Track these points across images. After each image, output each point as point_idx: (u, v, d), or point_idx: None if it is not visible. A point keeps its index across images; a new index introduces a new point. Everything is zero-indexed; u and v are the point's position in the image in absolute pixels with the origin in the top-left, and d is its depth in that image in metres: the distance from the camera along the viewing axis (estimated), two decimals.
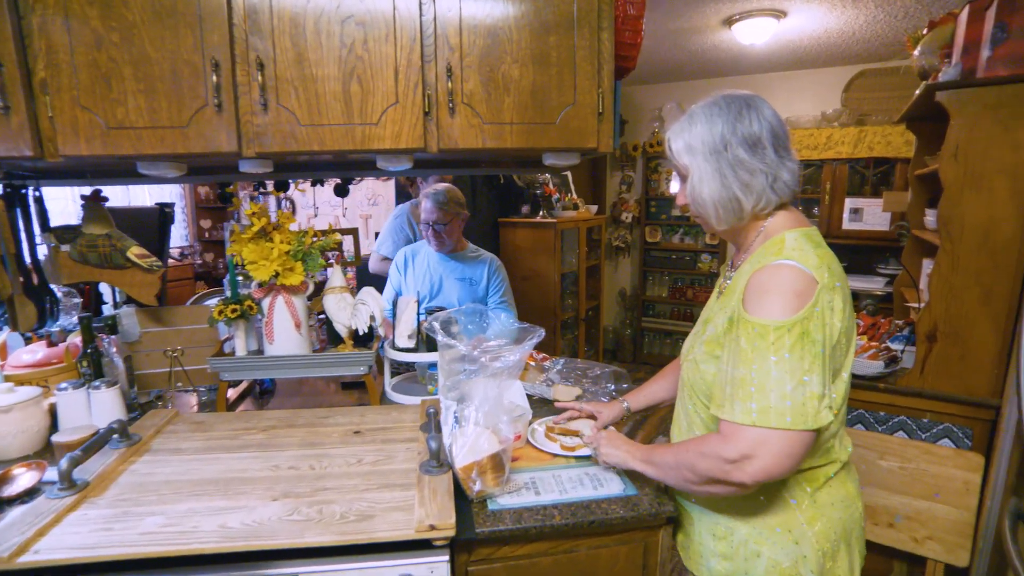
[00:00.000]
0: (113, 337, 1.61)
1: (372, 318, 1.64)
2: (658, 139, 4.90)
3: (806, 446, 0.88)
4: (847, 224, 3.90)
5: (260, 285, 1.60)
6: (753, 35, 3.11)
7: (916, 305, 2.07)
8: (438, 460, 1.19)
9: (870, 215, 3.77)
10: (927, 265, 2.25)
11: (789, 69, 4.35)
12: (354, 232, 1.91)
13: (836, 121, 4.03)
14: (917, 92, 2.19)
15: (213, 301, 2.19)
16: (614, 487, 1.19)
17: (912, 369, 1.88)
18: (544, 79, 1.30)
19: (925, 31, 2.29)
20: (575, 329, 3.97)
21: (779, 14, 2.99)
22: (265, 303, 1.60)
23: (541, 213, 3.39)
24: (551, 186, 3.38)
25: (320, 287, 1.75)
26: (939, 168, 1.78)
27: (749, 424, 0.87)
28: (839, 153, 3.92)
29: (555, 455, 1.34)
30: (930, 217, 2.25)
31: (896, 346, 1.97)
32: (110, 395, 1.41)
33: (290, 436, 1.42)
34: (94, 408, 1.40)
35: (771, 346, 0.87)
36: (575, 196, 3.67)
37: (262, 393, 1.88)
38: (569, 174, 3.77)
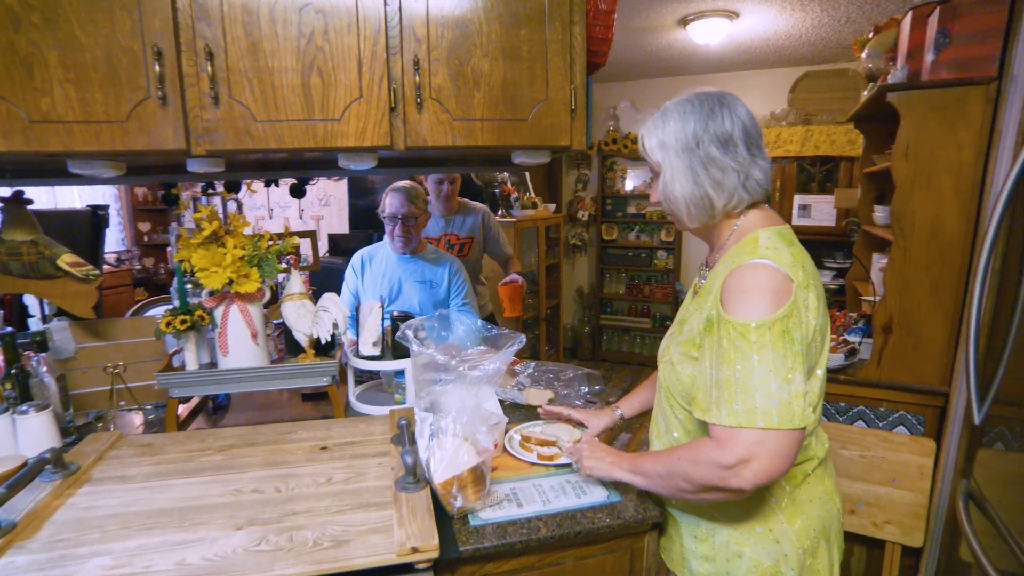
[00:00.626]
0: (43, 355, 1.46)
1: (335, 325, 1.56)
2: (613, 137, 4.94)
3: (798, 445, 0.88)
4: (796, 220, 4.04)
5: (211, 293, 1.49)
6: (707, 35, 3.16)
7: (870, 298, 2.14)
8: (414, 476, 1.13)
9: (818, 211, 3.92)
10: (877, 259, 2.34)
11: (740, 69, 4.46)
12: (311, 235, 1.81)
13: (784, 120, 4.17)
14: (866, 93, 2.27)
15: (158, 311, 2.04)
16: (598, 495, 1.16)
17: (870, 360, 1.95)
18: (515, 74, 1.25)
19: (871, 35, 2.39)
20: (535, 329, 3.95)
21: (732, 15, 3.06)
22: (218, 313, 1.50)
23: (500, 212, 3.34)
24: (510, 185, 3.34)
25: (278, 293, 1.65)
26: (891, 166, 1.85)
27: (736, 426, 0.86)
28: (787, 151, 4.06)
29: (533, 464, 1.30)
30: (879, 213, 2.34)
31: (854, 338, 2.04)
32: (40, 420, 1.27)
33: (251, 455, 1.32)
34: (21, 436, 1.26)
35: (753, 345, 0.86)
36: (533, 195, 3.65)
37: (215, 409, 1.76)
38: (528, 174, 3.74)
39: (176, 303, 1.50)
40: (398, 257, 2.26)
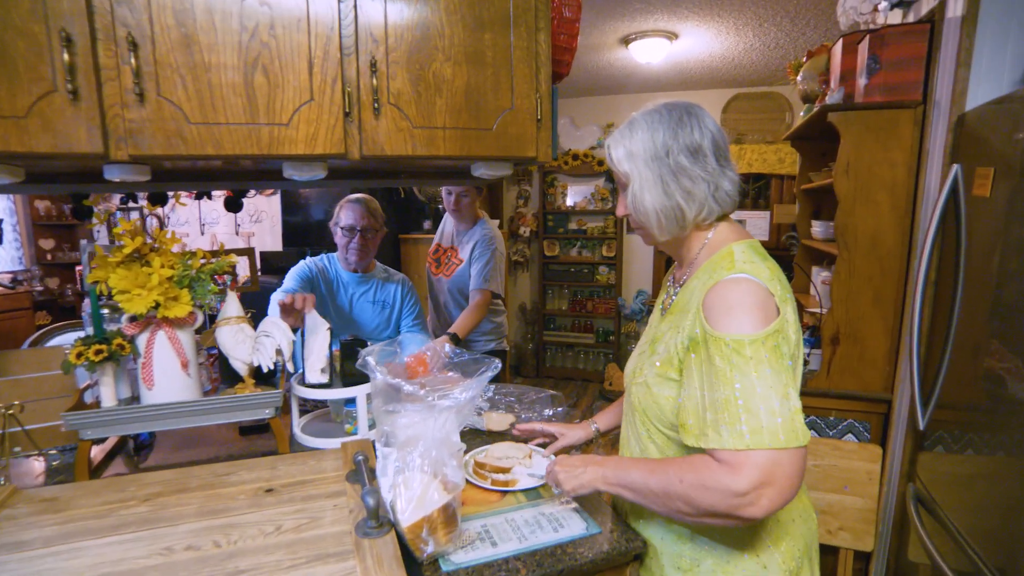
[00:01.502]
0: None
1: (279, 352, 1.41)
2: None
3: (804, 463, 0.83)
4: None
5: (133, 319, 1.32)
6: (648, 54, 3.24)
7: (814, 310, 2.21)
8: (377, 519, 1.01)
9: (752, 226, 4.08)
10: (817, 271, 2.43)
11: (678, 89, 4.62)
12: (249, 252, 1.65)
13: None
14: (802, 114, 2.37)
15: (65, 339, 1.80)
16: (575, 527, 1.09)
17: (819, 371, 2.00)
18: (479, 80, 1.18)
19: (805, 59, 2.51)
20: None
21: (672, 35, 3.15)
22: (141, 341, 1.32)
23: None
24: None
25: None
26: (834, 182, 1.92)
27: (745, 448, 0.80)
28: None
29: (503, 493, 1.21)
30: (817, 227, 2.44)
31: (803, 350, 2.09)
32: None
33: (183, 504, 1.15)
34: None
35: (750, 361, 0.82)
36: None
37: (137, 449, 1.55)
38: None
39: (89, 330, 1.31)
40: (348, 276, 2.12)
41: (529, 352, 5.31)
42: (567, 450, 1.35)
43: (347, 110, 1.11)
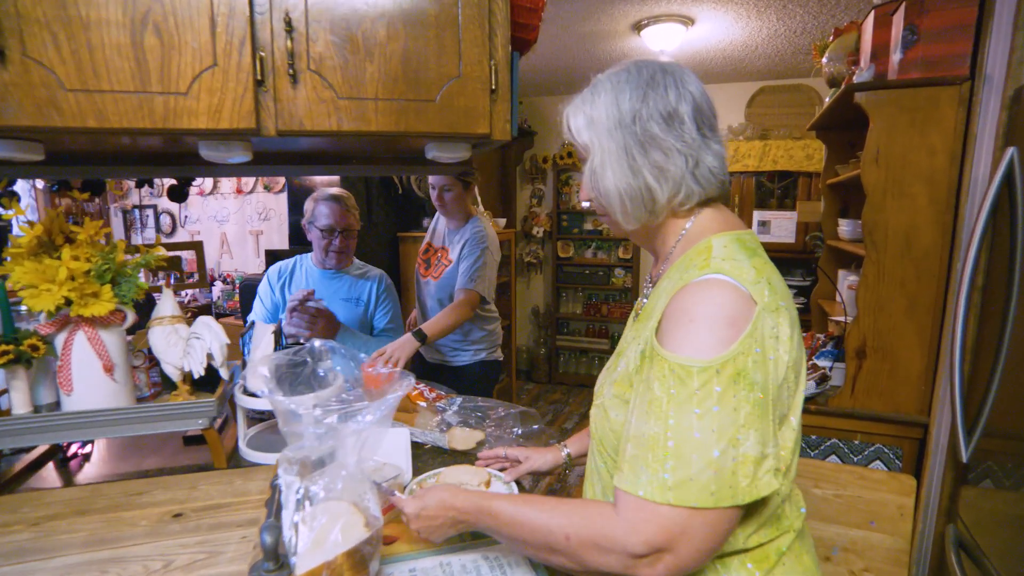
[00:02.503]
0: None
1: (210, 356, 1.26)
2: (568, 151, 4.78)
3: (732, 525, 0.66)
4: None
5: (51, 317, 1.19)
6: (662, 41, 3.01)
7: (839, 318, 1.96)
8: (276, 560, 0.84)
9: (777, 227, 3.79)
10: (843, 275, 2.17)
11: None
12: (197, 247, 1.51)
13: (741, 135, 4.07)
14: (828, 101, 2.12)
15: None
16: (523, 575, 0.90)
17: (843, 388, 1.75)
18: (420, 44, 1.00)
19: (831, 39, 2.26)
20: None
21: (687, 21, 2.92)
22: (59, 341, 1.19)
23: None
24: (481, 205, 3.09)
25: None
26: (861, 173, 1.68)
27: (663, 503, 0.63)
28: (746, 166, 3.95)
29: None
30: (844, 226, 2.18)
31: (824, 363, 1.84)
32: None
33: (74, 530, 1.01)
34: None
35: (694, 395, 0.64)
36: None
37: (66, 460, 1.42)
38: (473, 183, 3.50)
39: None
40: (320, 272, 1.99)
41: (541, 357, 5.11)
42: (536, 476, 1.16)
43: (259, 78, 0.95)
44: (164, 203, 5.23)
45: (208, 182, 4.95)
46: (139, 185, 1.43)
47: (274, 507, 0.97)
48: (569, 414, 4.24)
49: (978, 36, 1.52)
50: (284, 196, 4.67)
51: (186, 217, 5.17)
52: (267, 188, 4.79)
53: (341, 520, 0.84)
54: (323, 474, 0.87)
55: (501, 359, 2.45)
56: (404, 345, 1.83)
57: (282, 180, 4.63)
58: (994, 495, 1.38)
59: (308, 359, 1.13)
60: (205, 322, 1.29)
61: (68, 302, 1.15)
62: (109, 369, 1.22)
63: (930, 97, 1.59)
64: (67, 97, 0.87)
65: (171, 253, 1.38)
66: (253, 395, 1.36)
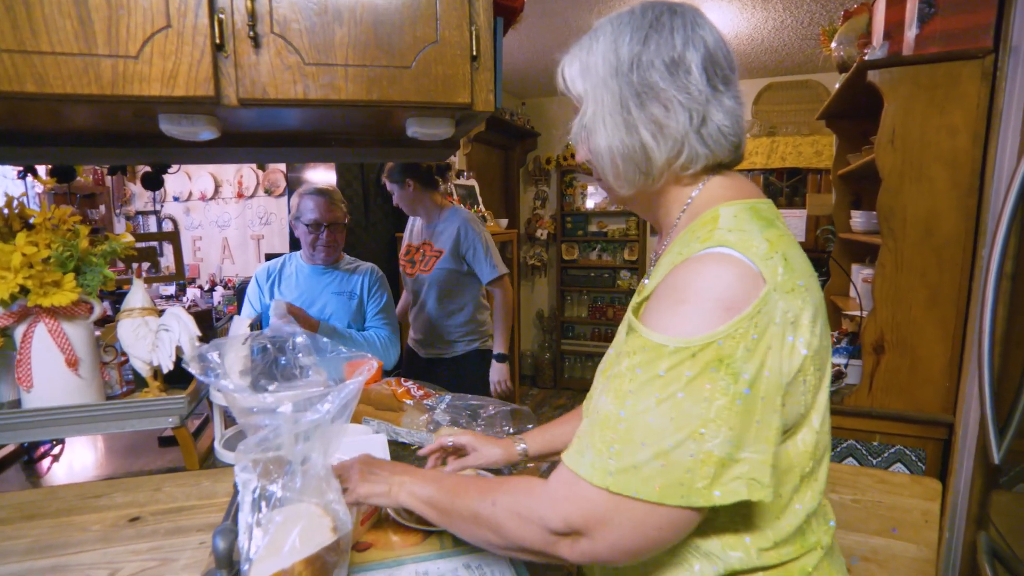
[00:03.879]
0: None
1: (179, 349, 1.19)
2: (572, 152, 4.69)
3: (678, 530, 0.58)
4: None
5: (7, 307, 1.11)
6: None
7: (853, 313, 1.85)
8: (230, 567, 0.76)
9: (787, 225, 3.69)
10: (857, 270, 2.06)
11: None
12: (172, 237, 1.44)
13: (749, 132, 3.97)
14: (837, 86, 2.03)
15: None
16: None
17: (859, 386, 1.64)
18: (393, 6, 0.93)
19: (840, 23, 2.16)
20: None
21: None
22: (17, 333, 1.12)
23: None
24: (455, 197, 3.02)
25: None
26: (875, 157, 1.58)
27: (598, 485, 0.57)
28: (754, 163, 3.85)
29: (426, 534, 0.94)
30: (857, 219, 2.08)
31: (839, 360, 1.73)
32: None
33: (19, 536, 0.93)
34: None
35: (658, 378, 0.56)
36: (482, 208, 3.33)
37: (31, 461, 1.35)
38: (476, 185, 3.43)
39: None
40: (311, 268, 1.93)
41: (546, 361, 5.00)
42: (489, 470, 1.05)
43: (218, 41, 0.87)
44: (168, 209, 5.21)
45: (209, 187, 4.93)
46: (112, 172, 1.38)
47: (232, 509, 0.88)
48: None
49: (1002, 4, 1.42)
50: (285, 200, 4.62)
51: (176, 223, 5.15)
52: (268, 192, 4.74)
53: (300, 524, 0.75)
54: (284, 472, 0.78)
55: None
56: (500, 370, 2.22)
57: (283, 184, 4.59)
58: None
59: (285, 352, 1.05)
60: (174, 313, 1.21)
61: (25, 291, 1.08)
62: (73, 364, 1.15)
63: (950, 73, 1.49)
64: (1, 59, 0.79)
65: (142, 244, 1.30)
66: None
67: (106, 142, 1.24)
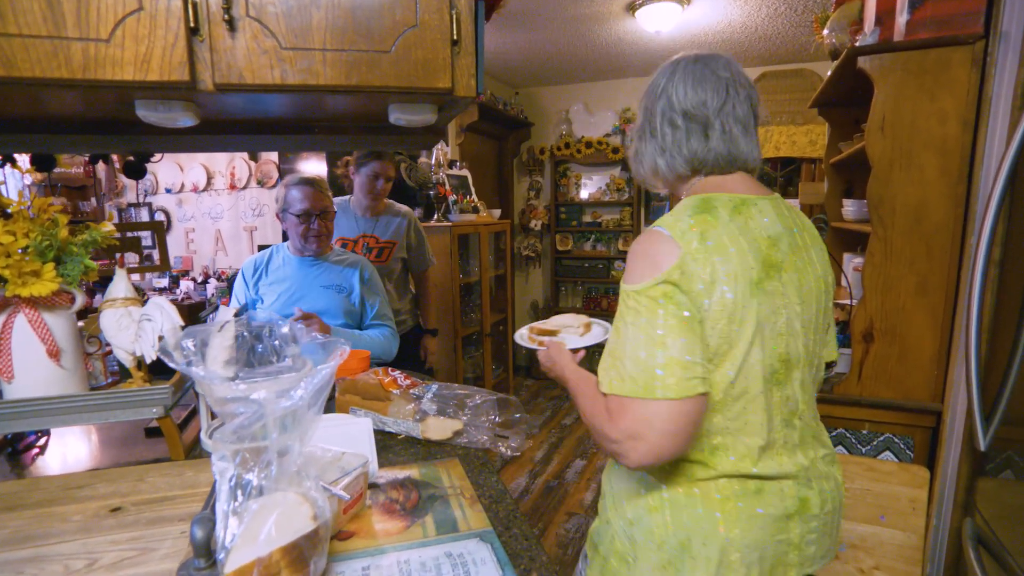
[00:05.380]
0: None
1: (161, 339, 1.17)
2: (566, 141, 4.67)
3: (686, 419, 0.79)
4: None
5: None
6: (658, 22, 2.90)
7: (844, 302, 1.85)
8: (208, 557, 0.76)
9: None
10: (849, 259, 2.06)
11: None
12: (158, 227, 1.43)
13: None
14: (830, 72, 2.01)
15: None
16: (488, 575, 0.80)
17: (849, 374, 1.64)
18: None
19: (833, 10, 2.15)
20: (479, 346, 3.58)
21: (683, 0, 2.81)
22: None
23: (436, 216, 2.99)
24: (447, 187, 3.00)
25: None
26: (866, 144, 1.57)
27: (613, 392, 0.83)
28: None
29: (409, 523, 0.93)
30: (848, 207, 2.07)
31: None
32: None
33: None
34: None
35: (628, 311, 0.84)
36: (475, 198, 3.31)
37: (16, 452, 1.34)
38: (469, 175, 3.41)
39: None
40: (299, 260, 1.91)
41: None
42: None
43: (193, 25, 0.85)
44: (159, 201, 5.18)
45: (202, 179, 4.89)
46: (93, 161, 1.35)
47: (211, 498, 0.88)
48: (569, 410, 4.14)
49: None
50: (275, 191, 4.58)
51: (169, 215, 5.12)
52: (260, 183, 4.71)
53: (277, 512, 0.74)
54: (260, 460, 0.77)
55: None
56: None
57: (276, 175, 4.56)
58: (1015, 487, 1.27)
59: (271, 342, 1.04)
60: (157, 303, 1.20)
61: (3, 281, 1.07)
62: (54, 354, 1.14)
63: (940, 59, 1.48)
64: None
65: (123, 234, 1.29)
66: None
67: (85, 129, 1.22)
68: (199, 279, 4.76)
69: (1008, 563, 1.20)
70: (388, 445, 1.26)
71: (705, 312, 0.80)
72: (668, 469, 0.89)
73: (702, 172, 0.93)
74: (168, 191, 5.02)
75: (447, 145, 3.39)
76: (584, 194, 4.78)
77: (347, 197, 2.41)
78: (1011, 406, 1.26)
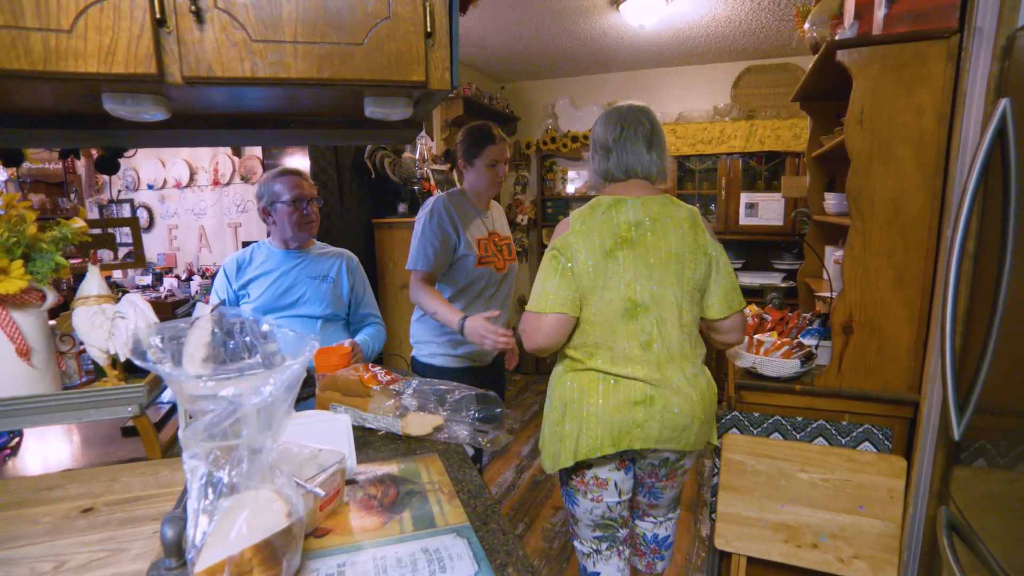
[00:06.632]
0: None
1: (134, 338, 1.15)
2: (552, 135, 4.66)
3: (548, 326, 1.37)
4: (744, 219, 3.82)
5: None
6: (641, 15, 2.90)
7: (826, 294, 1.86)
8: (179, 557, 0.75)
9: (765, 209, 3.70)
10: (831, 251, 2.08)
11: (681, 64, 4.27)
12: (133, 223, 1.41)
13: (727, 116, 3.97)
14: (811, 64, 2.02)
15: None
16: (463, 570, 0.80)
17: (829, 366, 1.65)
18: None
19: (814, 4, 2.15)
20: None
21: None
22: None
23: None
24: (432, 182, 2.98)
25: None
26: (845, 137, 1.58)
27: (527, 309, 1.41)
28: (732, 147, 3.85)
29: (386, 520, 0.93)
30: (830, 201, 2.09)
31: (810, 341, 1.75)
32: None
33: None
34: None
35: (543, 261, 1.41)
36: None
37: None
38: (450, 165, 3.39)
39: None
40: (284, 253, 1.90)
41: None
42: None
43: (159, 16, 0.84)
44: (141, 197, 5.11)
45: (184, 175, 4.83)
46: (63, 156, 1.32)
47: (183, 497, 0.87)
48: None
49: None
50: None
51: (152, 211, 5.04)
52: (244, 179, 4.66)
53: (248, 509, 0.74)
54: (232, 458, 0.76)
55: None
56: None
57: (259, 171, 4.50)
58: (987, 475, 1.29)
59: (247, 340, 1.03)
60: (131, 300, 1.18)
61: None
62: (24, 353, 1.11)
63: (917, 53, 1.49)
64: None
65: (96, 230, 1.27)
66: None
67: (54, 123, 1.19)
68: (183, 276, 4.71)
69: (979, 549, 1.22)
70: (368, 441, 1.26)
71: (573, 267, 1.34)
72: (568, 363, 1.44)
73: (608, 181, 1.45)
74: (150, 187, 4.95)
75: (432, 140, 3.37)
76: (570, 188, 4.78)
77: (447, 194, 1.96)
78: (984, 396, 1.28)
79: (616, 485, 1.43)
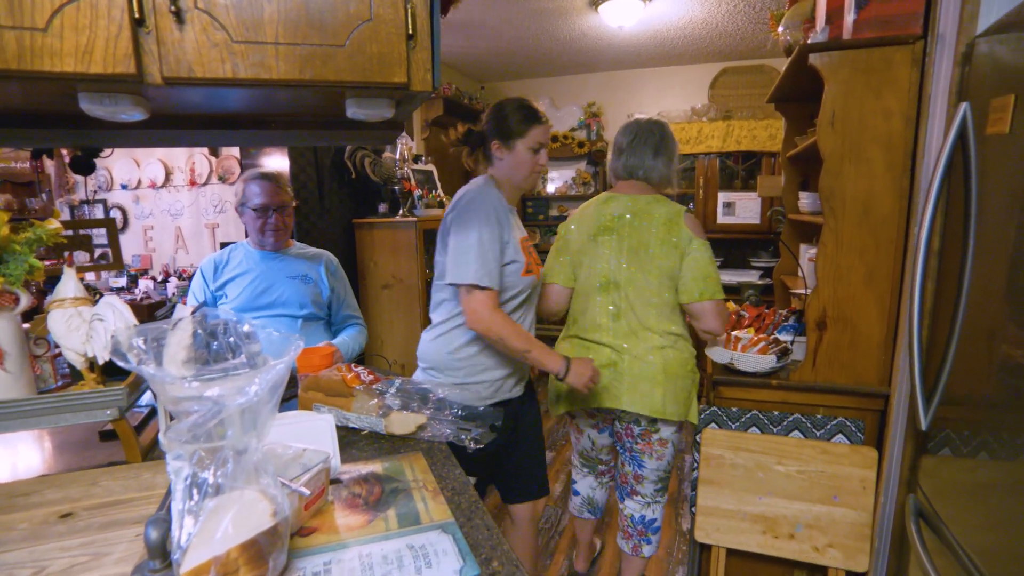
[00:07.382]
0: None
1: (114, 339, 1.14)
2: None
3: (548, 294, 1.78)
4: (721, 218, 3.88)
5: None
6: (620, 17, 2.94)
7: (801, 291, 1.91)
8: (163, 558, 0.75)
9: (742, 208, 3.77)
10: (805, 249, 2.13)
11: (662, 65, 4.32)
12: (109, 224, 1.38)
13: (705, 116, 4.03)
14: (785, 67, 2.07)
15: None
16: (447, 566, 0.81)
17: (804, 361, 1.70)
18: None
19: (788, 6, 2.21)
20: None
21: None
22: None
23: (401, 212, 2.97)
24: (412, 182, 2.98)
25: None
26: (817, 139, 1.62)
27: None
28: (709, 147, 3.91)
29: (371, 518, 0.94)
30: (804, 199, 2.14)
31: (785, 337, 1.79)
32: None
33: None
34: None
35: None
36: (441, 193, 3.30)
37: None
38: (435, 170, 3.39)
39: None
40: (261, 254, 1.89)
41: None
42: None
43: (138, 16, 0.83)
44: (114, 197, 5.00)
45: (160, 175, 4.74)
46: (35, 156, 1.29)
47: (167, 499, 0.86)
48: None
49: None
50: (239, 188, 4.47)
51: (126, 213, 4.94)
52: (222, 179, 4.59)
53: (234, 509, 0.74)
54: (216, 458, 0.77)
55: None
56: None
57: (237, 171, 4.45)
58: (952, 463, 1.34)
59: (230, 340, 1.02)
60: (109, 302, 1.17)
61: None
62: None
63: (884, 57, 1.54)
64: None
65: (68, 232, 1.25)
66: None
67: (28, 123, 1.17)
68: (159, 278, 4.62)
69: (944, 535, 1.27)
70: (352, 441, 1.26)
71: (568, 248, 1.73)
72: (562, 331, 1.80)
73: (616, 178, 1.76)
74: (124, 187, 4.85)
75: (412, 140, 3.36)
76: (551, 188, 4.80)
77: (485, 182, 1.60)
78: (949, 387, 1.33)
79: (590, 438, 1.91)
